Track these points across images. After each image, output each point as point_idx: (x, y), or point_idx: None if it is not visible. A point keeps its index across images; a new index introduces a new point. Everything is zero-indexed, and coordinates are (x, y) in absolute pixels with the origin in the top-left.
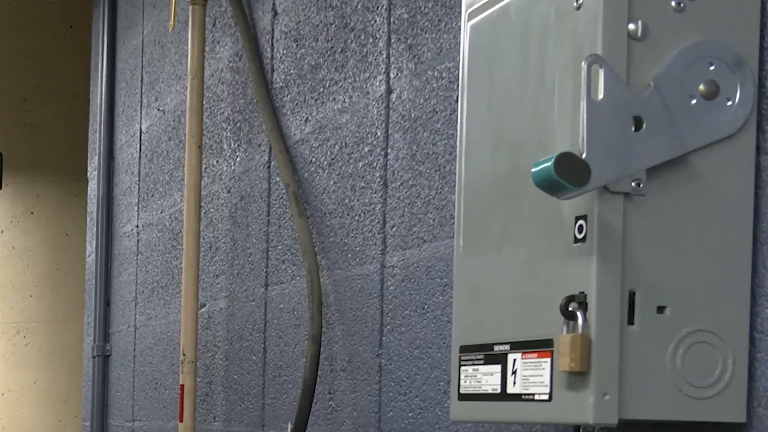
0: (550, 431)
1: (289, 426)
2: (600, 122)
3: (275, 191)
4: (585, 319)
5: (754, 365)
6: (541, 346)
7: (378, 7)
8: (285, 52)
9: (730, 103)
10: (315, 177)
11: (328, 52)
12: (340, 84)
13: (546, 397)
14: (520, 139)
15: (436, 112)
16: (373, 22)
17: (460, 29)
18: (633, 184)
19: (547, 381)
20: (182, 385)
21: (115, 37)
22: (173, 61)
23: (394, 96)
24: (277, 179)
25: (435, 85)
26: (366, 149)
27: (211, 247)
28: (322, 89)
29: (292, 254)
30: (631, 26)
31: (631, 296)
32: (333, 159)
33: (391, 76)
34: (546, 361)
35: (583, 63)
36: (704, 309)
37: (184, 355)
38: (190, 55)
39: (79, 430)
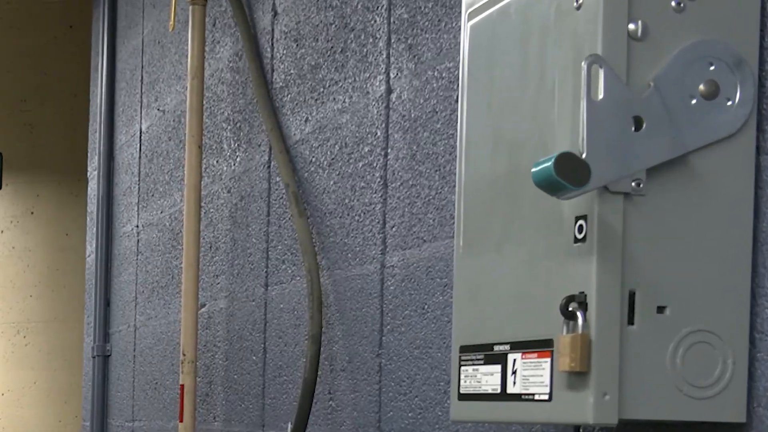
0: (550, 431)
1: (289, 426)
2: (600, 122)
3: (275, 191)
4: (585, 319)
5: (754, 365)
6: (541, 346)
7: (378, 7)
8: (285, 52)
9: (730, 103)
10: (315, 177)
11: (328, 52)
12: (340, 84)
13: (546, 397)
14: (520, 139)
15: (436, 112)
16: (373, 22)
17: (460, 29)
18: (633, 184)
19: (547, 381)
20: (182, 385)
21: (115, 37)
22: (173, 61)
23: (394, 96)
24: (277, 179)
25: (435, 85)
26: (366, 149)
27: (211, 247)
28: (322, 89)
29: (292, 254)
30: (631, 26)
31: (631, 296)
32: (333, 159)
33: (391, 76)
34: (546, 361)
35: (583, 63)
36: (704, 309)
37: (184, 355)
38: (190, 55)
39: (79, 430)
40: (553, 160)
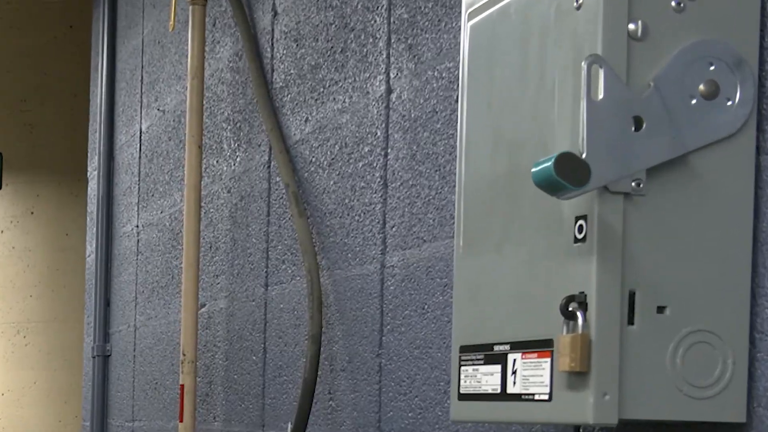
0: (550, 431)
1: (289, 426)
2: (600, 122)
3: (275, 191)
4: (585, 319)
5: (754, 365)
6: (541, 346)
7: (378, 7)
8: (285, 52)
9: (730, 103)
10: (315, 177)
11: (328, 52)
12: (340, 84)
13: (546, 397)
14: (520, 139)
15: (436, 112)
16: (373, 22)
17: (460, 29)
18: (633, 184)
19: (547, 381)
20: (182, 385)
21: (115, 37)
22: (173, 61)
23: (394, 96)
24: (277, 179)
25: (435, 85)
26: (366, 149)
27: (211, 247)
28: (322, 89)
29: (292, 254)
30: (631, 26)
31: (631, 296)
32: (333, 159)
33: (391, 76)
34: (546, 361)
35: (583, 63)
36: (704, 309)
37: (184, 355)
38: (190, 55)
39: (79, 430)
40: (553, 160)
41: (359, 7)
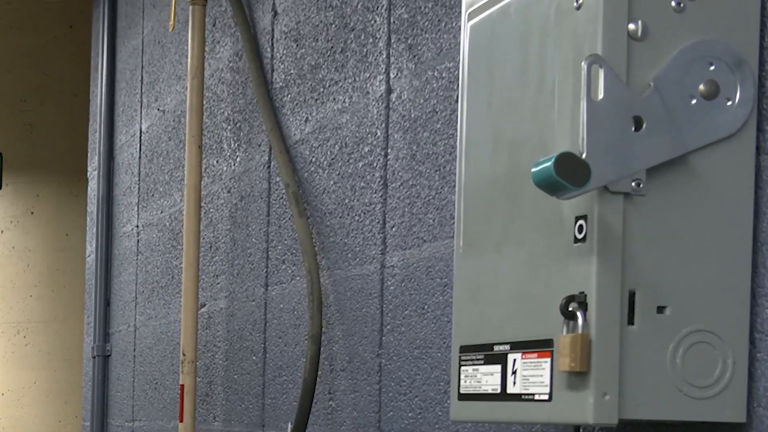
0: (550, 431)
1: (289, 426)
2: (600, 122)
3: (275, 191)
4: (585, 319)
5: (754, 365)
6: (541, 346)
7: (378, 7)
8: (285, 52)
9: (730, 103)
10: (315, 177)
11: (328, 52)
12: (340, 84)
13: (546, 397)
14: (520, 139)
15: (436, 112)
16: (373, 22)
17: (460, 29)
18: (633, 184)
19: (547, 381)
20: (182, 385)
21: (115, 37)
22: (173, 61)
23: (394, 96)
24: (277, 179)
25: (435, 85)
26: (366, 149)
27: (211, 247)
28: (322, 89)
29: (292, 254)
30: (631, 26)
31: (631, 296)
32: (333, 159)
33: (391, 76)
34: (546, 361)
35: (583, 63)
36: (704, 309)
37: (184, 355)
38: (190, 55)
39: (79, 430)
40: (553, 160)
41: (359, 7)
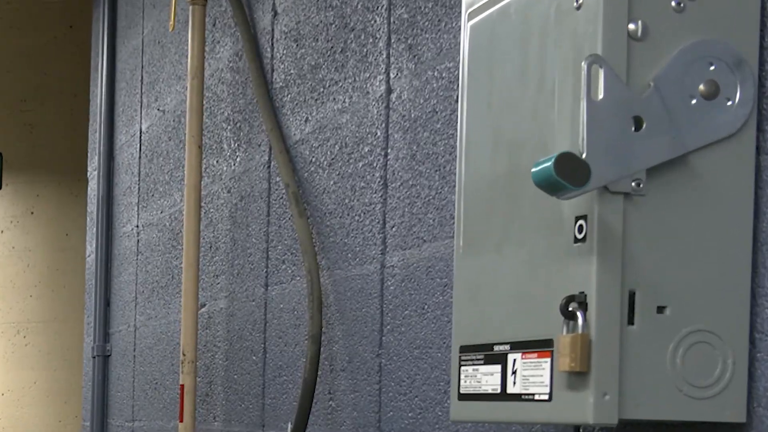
0: (550, 431)
1: (289, 426)
2: (600, 122)
3: (275, 191)
4: (585, 319)
5: (754, 365)
6: (541, 346)
7: (378, 7)
8: (285, 52)
9: (730, 103)
10: (315, 177)
11: (328, 52)
12: (340, 84)
13: (546, 397)
14: (520, 139)
15: (436, 112)
16: (373, 22)
17: (460, 29)
18: (633, 184)
19: (547, 381)
20: (182, 385)
21: (115, 37)
22: (173, 61)
23: (394, 96)
24: (277, 179)
25: (435, 85)
26: (366, 149)
27: (211, 247)
28: (322, 89)
29: (292, 254)
30: (631, 26)
31: (631, 296)
32: (333, 159)
33: (391, 76)
34: (546, 361)
35: (583, 63)
36: (704, 309)
37: (184, 355)
38: (190, 55)
39: (79, 430)
40: (553, 160)
41: (359, 7)
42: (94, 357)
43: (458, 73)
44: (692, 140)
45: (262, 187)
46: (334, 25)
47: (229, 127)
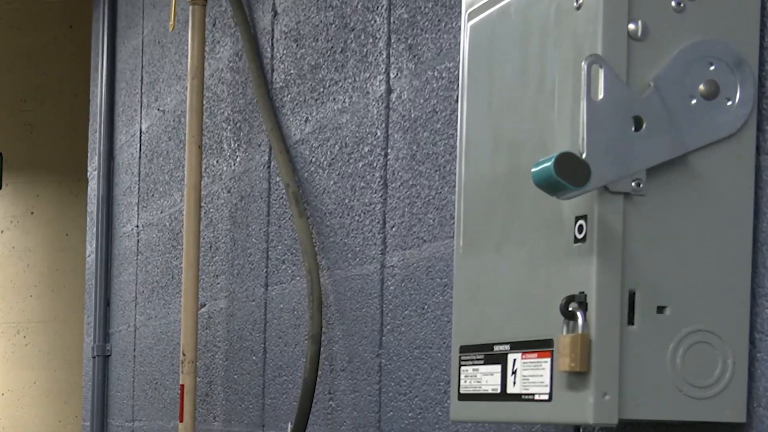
0: (550, 431)
1: (289, 426)
2: (600, 122)
3: (275, 191)
4: (585, 319)
5: (754, 365)
6: (541, 346)
7: (378, 7)
8: (285, 52)
9: (730, 103)
10: (315, 177)
11: (328, 52)
12: (340, 84)
13: (546, 397)
14: (520, 139)
15: (436, 112)
16: (373, 22)
17: (460, 29)
18: (633, 184)
19: (547, 381)
20: (182, 385)
21: (115, 37)
22: (173, 61)
23: (394, 96)
24: (277, 179)
25: (435, 85)
26: (366, 149)
27: (211, 247)
28: (322, 89)
29: (292, 254)
30: (631, 26)
31: (631, 296)
32: (333, 159)
33: (391, 76)
34: (546, 361)
35: (583, 63)
36: (704, 309)
37: (184, 355)
38: (190, 55)
39: (79, 430)
40: (553, 160)
41: (359, 7)
42: (94, 357)
43: (458, 73)
44: (692, 140)
45: (262, 187)
46: (334, 25)
47: (229, 127)
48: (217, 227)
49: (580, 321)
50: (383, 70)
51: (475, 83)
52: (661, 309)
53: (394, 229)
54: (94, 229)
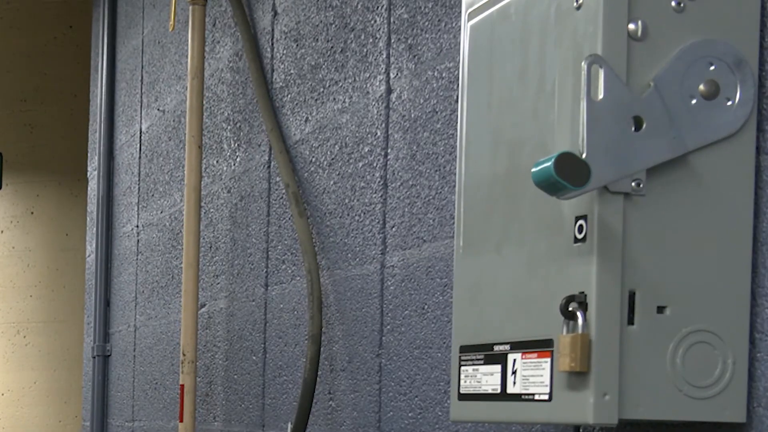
0: (550, 431)
1: (289, 426)
2: (600, 122)
3: (275, 191)
4: (585, 319)
5: (754, 365)
6: (541, 346)
7: (378, 7)
8: (285, 52)
9: (730, 103)
10: (315, 177)
11: (328, 52)
12: (340, 84)
13: (546, 397)
14: (520, 139)
15: (436, 112)
16: (373, 22)
17: (460, 29)
18: (633, 184)
19: (547, 381)
20: (182, 385)
21: (115, 37)
22: (173, 61)
23: (394, 96)
24: (277, 179)
25: (435, 85)
26: (366, 149)
27: (211, 247)
28: (322, 89)
29: (292, 254)
30: (631, 26)
31: (631, 296)
32: (333, 159)
33: (391, 76)
34: (546, 361)
35: (583, 63)
36: (704, 309)
37: (184, 355)
38: (190, 55)
39: (79, 430)
40: (553, 160)
41: (359, 7)
42: (94, 357)
43: (458, 73)
44: (692, 140)
45: (262, 187)
46: (334, 25)
47: (229, 127)
48: (217, 227)
49: (580, 321)
50: (383, 70)
51: (475, 83)
52: (661, 309)
53: (394, 229)
54: (94, 229)
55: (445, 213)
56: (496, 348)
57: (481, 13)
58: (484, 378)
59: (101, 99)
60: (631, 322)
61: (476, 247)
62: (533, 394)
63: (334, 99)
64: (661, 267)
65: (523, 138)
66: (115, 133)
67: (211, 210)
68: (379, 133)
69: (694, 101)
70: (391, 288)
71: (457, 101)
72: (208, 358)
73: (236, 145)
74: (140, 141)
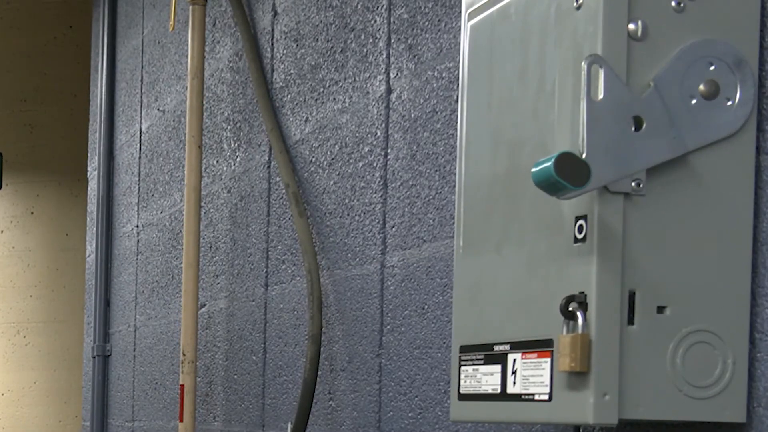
0: (550, 431)
1: (289, 426)
2: (600, 122)
3: (275, 191)
4: (585, 319)
5: (754, 365)
6: (541, 346)
7: (378, 7)
8: (285, 52)
9: (730, 103)
10: (315, 177)
11: (328, 52)
12: (340, 84)
13: (546, 397)
14: (520, 139)
15: (436, 112)
16: (373, 22)
17: (460, 29)
18: (633, 184)
19: (547, 381)
20: (182, 385)
21: (115, 37)
22: (173, 61)
23: (394, 96)
24: (277, 179)
25: (435, 85)
26: (366, 149)
27: (211, 247)
28: (322, 89)
29: (292, 254)
30: (631, 26)
31: (631, 296)
32: (333, 159)
33: (391, 76)
34: (546, 361)
35: (583, 63)
36: (704, 309)
37: (184, 355)
38: (190, 55)
39: (79, 430)
40: (553, 160)
41: (359, 7)
42: (94, 357)
43: (458, 73)
44: (692, 140)
45: (262, 187)
46: (334, 25)
47: (229, 127)
48: (217, 227)
49: (580, 321)
50: (383, 70)
51: (475, 83)
52: (661, 309)
53: (394, 229)
54: (94, 229)
55: (445, 213)
56: (496, 348)
57: (481, 13)
58: (484, 378)
59: (101, 99)
60: (631, 322)
61: (476, 247)
62: (533, 394)
63: (334, 99)
64: (661, 267)
65: (523, 138)
66: (115, 133)
67: (211, 210)
68: (379, 133)
69: (694, 101)
70: (391, 288)
71: (457, 101)
72: (208, 358)
73: (236, 145)
74: (140, 141)
